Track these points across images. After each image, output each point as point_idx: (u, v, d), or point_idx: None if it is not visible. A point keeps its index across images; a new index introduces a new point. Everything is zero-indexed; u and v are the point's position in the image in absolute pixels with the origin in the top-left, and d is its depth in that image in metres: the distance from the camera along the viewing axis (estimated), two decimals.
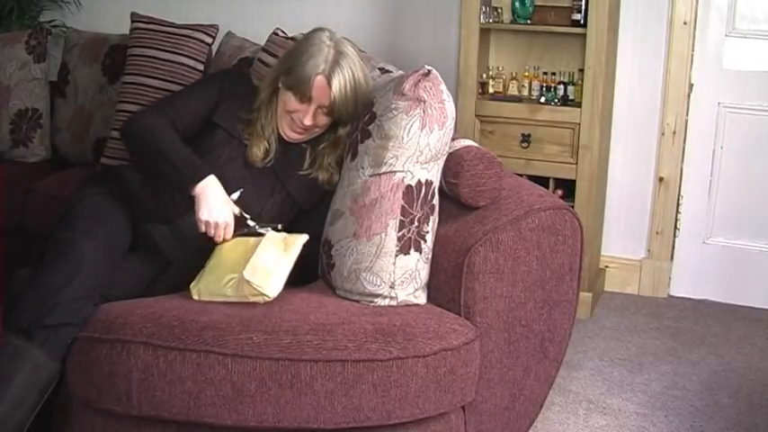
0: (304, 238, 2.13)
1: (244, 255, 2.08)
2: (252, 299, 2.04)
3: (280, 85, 2.28)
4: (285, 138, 2.32)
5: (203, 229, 2.16)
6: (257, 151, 2.30)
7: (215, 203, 2.16)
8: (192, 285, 2.10)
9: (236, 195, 2.26)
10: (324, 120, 2.27)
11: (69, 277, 2.02)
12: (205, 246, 2.18)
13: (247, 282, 2.02)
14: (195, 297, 2.08)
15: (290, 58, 2.29)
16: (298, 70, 2.22)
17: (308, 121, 2.25)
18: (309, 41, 2.26)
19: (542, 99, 3.36)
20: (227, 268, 2.09)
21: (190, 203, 2.19)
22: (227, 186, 2.24)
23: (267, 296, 2.02)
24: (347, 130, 2.29)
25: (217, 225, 2.15)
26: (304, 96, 2.22)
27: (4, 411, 1.94)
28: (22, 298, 2.02)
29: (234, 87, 2.39)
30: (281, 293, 2.05)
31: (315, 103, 2.23)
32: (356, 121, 2.23)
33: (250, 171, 2.30)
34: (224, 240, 2.17)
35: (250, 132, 2.31)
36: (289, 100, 2.25)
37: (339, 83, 2.20)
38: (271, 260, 2.07)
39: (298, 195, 2.34)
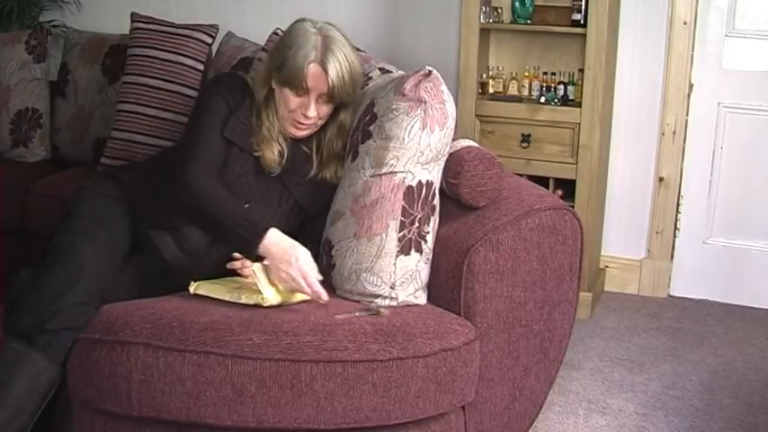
0: (306, 298, 2.08)
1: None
2: (243, 299, 2.02)
3: (274, 84, 2.21)
4: (292, 136, 2.25)
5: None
6: (271, 155, 2.23)
7: (293, 261, 2.03)
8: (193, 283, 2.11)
9: None
10: (325, 109, 2.20)
11: (70, 282, 2.01)
12: (209, 254, 2.17)
13: (254, 273, 2.01)
14: (191, 289, 2.08)
15: (278, 54, 2.20)
16: (289, 64, 2.14)
17: (311, 113, 2.17)
18: (294, 33, 2.18)
19: (542, 99, 3.36)
20: (237, 283, 2.10)
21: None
22: (238, 200, 2.20)
23: (261, 295, 2.00)
24: (349, 113, 2.25)
25: (306, 275, 2.04)
26: (301, 89, 2.14)
27: (4, 418, 1.93)
28: (22, 302, 2.01)
29: (235, 96, 2.26)
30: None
31: (314, 93, 2.15)
32: (357, 114, 2.22)
33: (258, 183, 2.25)
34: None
35: (260, 139, 2.23)
36: (287, 98, 2.17)
37: (335, 67, 2.13)
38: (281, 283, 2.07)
39: (305, 202, 2.30)
